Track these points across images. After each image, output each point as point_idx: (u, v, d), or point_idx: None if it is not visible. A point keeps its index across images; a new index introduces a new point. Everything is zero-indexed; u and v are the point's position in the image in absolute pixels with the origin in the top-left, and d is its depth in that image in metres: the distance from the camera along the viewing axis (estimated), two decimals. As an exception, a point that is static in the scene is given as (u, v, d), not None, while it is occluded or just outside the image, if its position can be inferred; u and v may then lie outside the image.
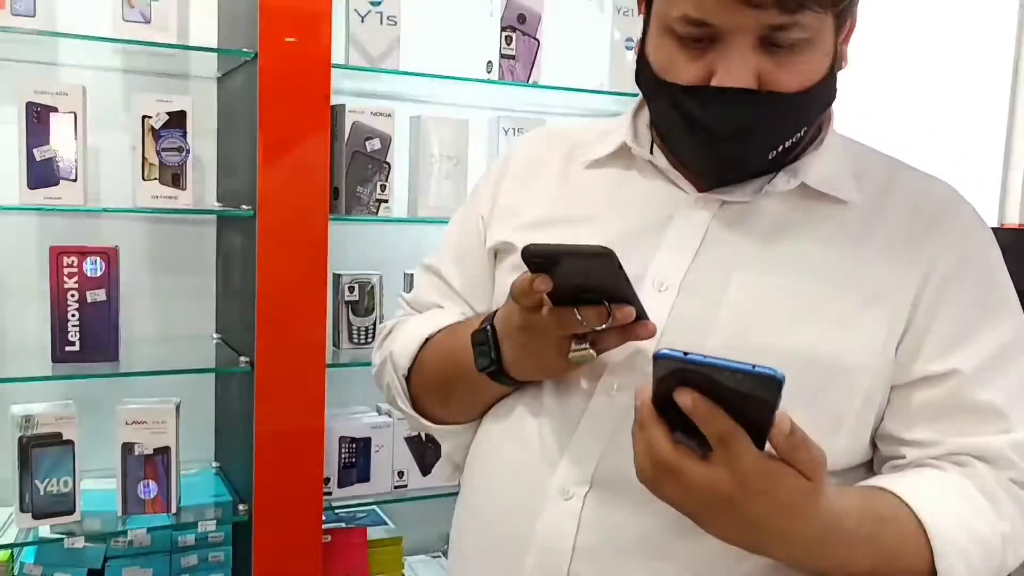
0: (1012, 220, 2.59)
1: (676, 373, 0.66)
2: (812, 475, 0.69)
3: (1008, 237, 2.17)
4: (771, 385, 0.63)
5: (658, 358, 0.66)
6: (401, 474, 2.00)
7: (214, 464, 2.05)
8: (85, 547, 1.76)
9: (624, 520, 0.82)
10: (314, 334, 1.79)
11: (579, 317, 0.77)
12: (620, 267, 0.74)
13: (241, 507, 1.81)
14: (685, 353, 0.65)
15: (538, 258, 0.76)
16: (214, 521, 1.83)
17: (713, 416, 0.66)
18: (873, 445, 0.88)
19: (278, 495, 1.80)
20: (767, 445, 0.68)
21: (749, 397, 0.64)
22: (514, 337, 0.85)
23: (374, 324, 1.98)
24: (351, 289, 1.95)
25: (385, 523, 2.11)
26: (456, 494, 1.01)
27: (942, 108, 2.51)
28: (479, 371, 0.88)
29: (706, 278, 0.85)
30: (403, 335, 1.02)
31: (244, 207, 1.76)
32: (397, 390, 1.02)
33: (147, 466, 1.75)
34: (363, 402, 2.08)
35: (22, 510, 1.67)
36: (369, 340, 1.97)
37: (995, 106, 2.57)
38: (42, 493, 1.68)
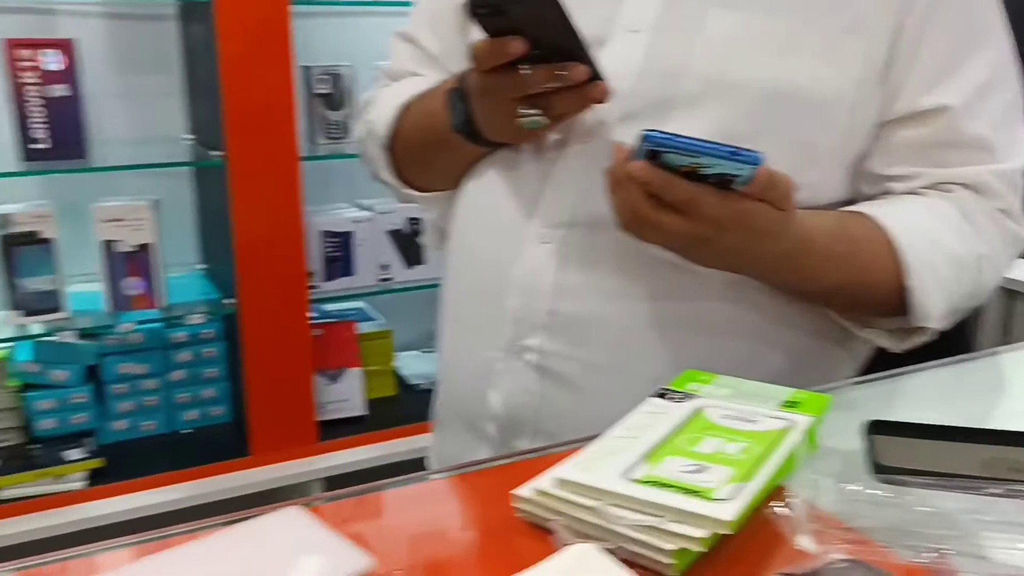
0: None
1: (654, 152, 0.69)
2: (783, 205, 0.73)
3: None
4: (749, 165, 0.68)
5: (646, 137, 0.68)
6: (385, 267, 2.02)
7: (199, 266, 2.07)
8: (79, 344, 1.81)
9: (600, 259, 0.83)
10: (284, 126, 1.77)
11: (526, 76, 0.75)
12: (567, 15, 0.71)
13: (227, 301, 1.84)
14: (674, 135, 0.68)
15: (483, 8, 0.73)
16: (202, 315, 1.87)
17: (669, 185, 0.69)
18: (859, 185, 0.87)
19: (263, 290, 1.82)
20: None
21: (726, 173, 0.69)
22: (476, 100, 0.83)
23: (348, 117, 1.94)
24: (322, 81, 1.90)
25: (374, 318, 2.16)
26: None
27: None
28: (453, 131, 0.87)
29: (680, 16, 0.81)
30: (381, 105, 1.00)
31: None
32: (379, 161, 1.01)
33: (130, 263, 1.76)
34: (343, 198, 2.08)
35: (10, 308, 1.70)
36: (343, 134, 1.94)
37: None
38: (28, 291, 1.70)
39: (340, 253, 1.97)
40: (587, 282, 0.83)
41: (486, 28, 0.76)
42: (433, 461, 1.07)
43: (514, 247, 0.86)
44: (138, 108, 1.97)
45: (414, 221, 2.01)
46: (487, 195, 0.91)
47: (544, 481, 0.58)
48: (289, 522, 0.58)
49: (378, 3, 1.93)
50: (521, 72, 0.76)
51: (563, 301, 0.84)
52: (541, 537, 0.59)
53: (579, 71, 0.75)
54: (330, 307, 2.13)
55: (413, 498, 0.69)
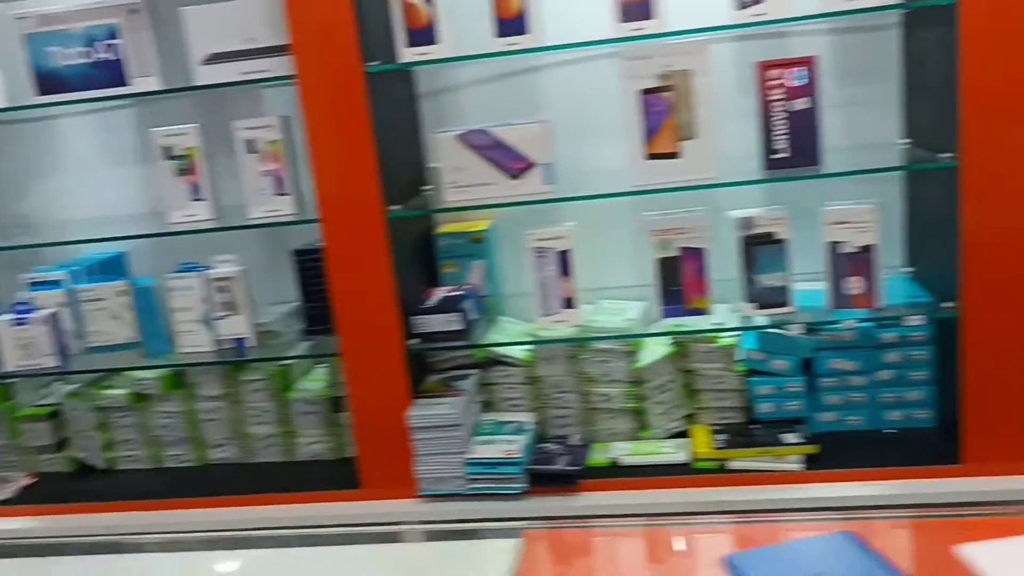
0: None
1: None
2: None
3: None
4: None
5: None
6: None
7: (904, 269, 2.08)
8: (799, 337, 1.97)
9: None
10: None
11: None
12: None
13: (945, 305, 1.82)
14: None
15: None
16: (918, 318, 1.87)
17: None
18: None
19: (990, 295, 1.76)
20: None
21: None
22: None
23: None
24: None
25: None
26: None
27: None
28: None
29: None
30: None
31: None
32: None
33: (851, 263, 1.85)
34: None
35: (745, 300, 1.91)
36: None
37: None
38: (761, 286, 1.89)
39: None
40: None
41: None
42: None
43: None
44: (852, 116, 2.06)
45: None
46: None
47: None
48: None
49: None
50: None
51: None
52: None
53: None
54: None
55: None
